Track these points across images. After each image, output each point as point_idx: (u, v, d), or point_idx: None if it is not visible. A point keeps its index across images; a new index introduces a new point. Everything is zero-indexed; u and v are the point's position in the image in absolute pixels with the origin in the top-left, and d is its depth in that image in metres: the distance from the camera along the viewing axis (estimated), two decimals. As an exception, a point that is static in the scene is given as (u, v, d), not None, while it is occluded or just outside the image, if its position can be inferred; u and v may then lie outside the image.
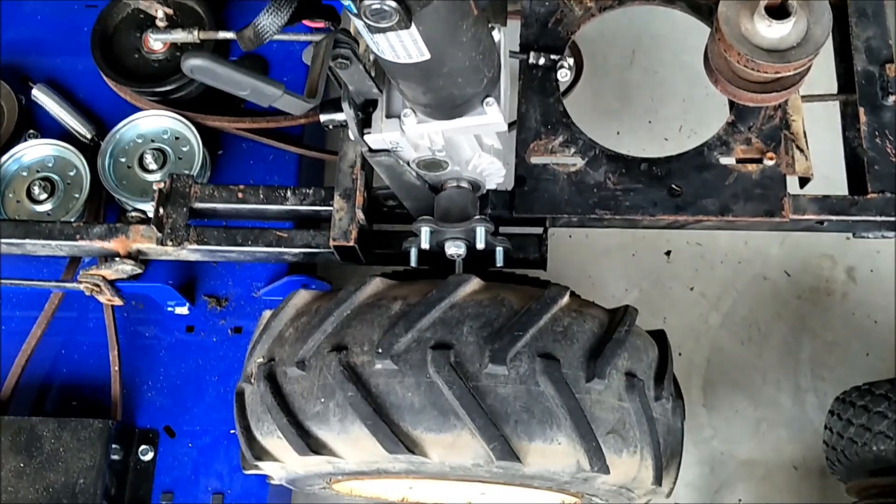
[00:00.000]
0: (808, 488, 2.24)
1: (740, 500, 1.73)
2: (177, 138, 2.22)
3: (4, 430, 1.93)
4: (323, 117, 1.60)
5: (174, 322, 2.16)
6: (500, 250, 1.69)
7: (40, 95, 2.30)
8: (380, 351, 1.51)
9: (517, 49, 1.96)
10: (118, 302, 2.07)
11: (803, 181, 1.93)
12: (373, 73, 1.52)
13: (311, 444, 1.55)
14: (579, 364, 1.55)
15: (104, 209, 2.21)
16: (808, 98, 2.00)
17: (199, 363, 2.13)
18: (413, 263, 1.69)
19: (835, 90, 2.03)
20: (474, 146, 1.62)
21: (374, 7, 1.20)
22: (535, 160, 1.91)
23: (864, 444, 1.90)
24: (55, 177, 2.20)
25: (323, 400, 1.55)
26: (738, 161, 1.89)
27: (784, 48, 1.74)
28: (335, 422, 1.53)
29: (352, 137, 1.58)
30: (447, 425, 1.49)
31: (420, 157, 1.62)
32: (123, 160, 2.20)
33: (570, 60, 1.96)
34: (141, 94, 2.26)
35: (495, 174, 1.71)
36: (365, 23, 1.24)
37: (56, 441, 1.92)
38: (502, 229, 1.95)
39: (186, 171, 2.16)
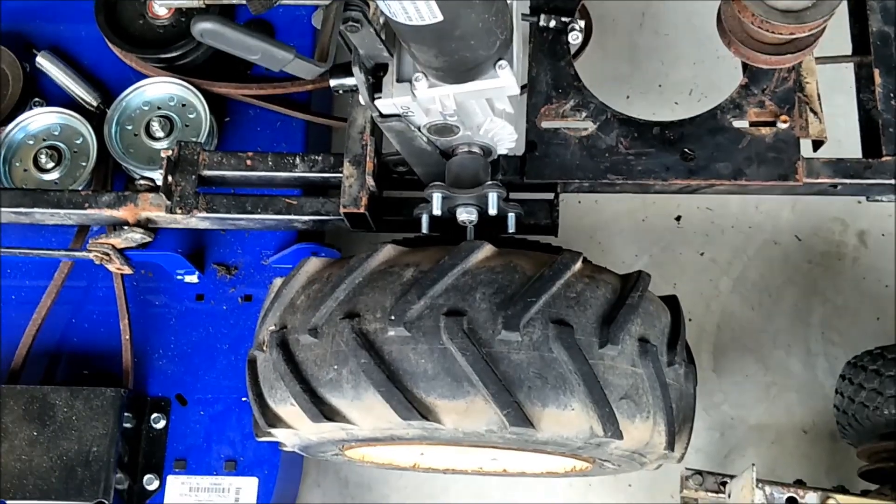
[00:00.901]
0: (818, 452, 2.24)
1: (753, 465, 1.73)
2: (183, 105, 2.20)
3: (17, 399, 1.93)
4: (333, 82, 1.59)
5: (184, 291, 2.16)
6: (511, 216, 1.67)
7: (44, 63, 2.28)
8: (392, 318, 1.50)
9: (527, 12, 1.93)
10: (128, 270, 2.07)
11: (817, 144, 1.91)
12: (383, 36, 1.50)
13: (324, 411, 1.55)
14: (592, 330, 1.54)
15: (112, 177, 2.19)
16: (821, 60, 1.98)
17: (209, 331, 2.12)
18: (424, 230, 1.68)
19: (848, 51, 2.00)
20: (486, 110, 1.60)
21: (385, -33, 1.18)
22: (545, 125, 1.89)
23: (875, 408, 1.90)
24: (62, 145, 2.18)
25: (336, 367, 1.54)
26: (752, 124, 1.87)
27: (799, 9, 1.72)
28: (348, 388, 1.53)
29: (362, 102, 1.57)
30: (461, 392, 1.49)
31: (431, 121, 1.60)
32: (130, 128, 2.19)
33: (581, 23, 1.93)
34: (146, 61, 2.23)
35: (507, 139, 1.70)
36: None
37: (69, 409, 1.93)
38: (513, 195, 1.94)
39: (194, 139, 2.15)
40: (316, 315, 1.58)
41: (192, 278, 2.15)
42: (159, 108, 2.20)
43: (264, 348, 1.68)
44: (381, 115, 1.58)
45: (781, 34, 1.74)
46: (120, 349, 2.09)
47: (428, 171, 1.74)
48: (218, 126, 2.24)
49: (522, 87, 1.80)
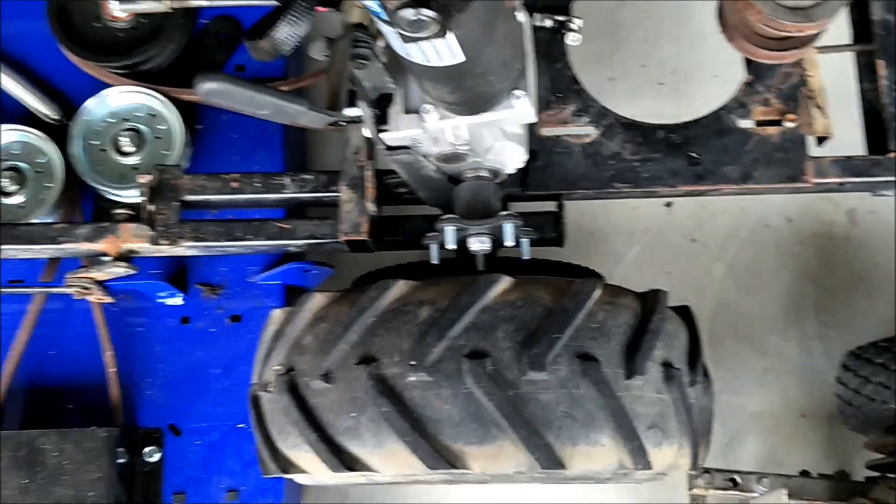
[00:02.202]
0: (817, 435, 2.26)
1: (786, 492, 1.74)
2: (152, 115, 2.06)
3: (4, 446, 1.83)
4: (333, 113, 1.48)
5: (168, 314, 2.05)
6: (525, 242, 1.60)
7: (-4, 74, 2.12)
8: (413, 363, 1.43)
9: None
10: (108, 300, 1.95)
11: (821, 139, 1.87)
12: (388, 67, 1.40)
13: (344, 461, 1.49)
14: (618, 361, 1.50)
15: (80, 198, 2.06)
16: (823, 49, 1.92)
17: (198, 356, 2.03)
18: (434, 261, 1.60)
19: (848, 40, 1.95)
20: (497, 135, 1.52)
21: (410, 19, 1.08)
22: (546, 132, 1.82)
23: (883, 402, 1.90)
24: (23, 165, 2.04)
25: (354, 414, 1.47)
26: (758, 124, 1.82)
27: (808, 6, 1.66)
28: (369, 437, 1.46)
29: (369, 136, 1.47)
30: (489, 437, 1.43)
31: (441, 151, 1.51)
32: (96, 143, 2.04)
33: (580, 21, 1.84)
34: (107, 69, 2.08)
35: (516, 160, 1.62)
36: (399, 34, 1.12)
37: (59, 454, 1.83)
38: (514, 205, 1.87)
39: (165, 151, 2.02)
40: (328, 359, 1.50)
41: (177, 300, 2.05)
42: (126, 120, 2.06)
43: (270, 389, 1.60)
44: (389, 148, 1.48)
45: (788, 31, 1.69)
46: (103, 378, 1.98)
47: (434, 195, 1.66)
48: (190, 134, 2.11)
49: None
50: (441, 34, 1.12)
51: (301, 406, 1.53)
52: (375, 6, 1.11)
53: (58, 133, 2.06)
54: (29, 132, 2.04)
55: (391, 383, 1.45)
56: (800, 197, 2.38)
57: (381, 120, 1.47)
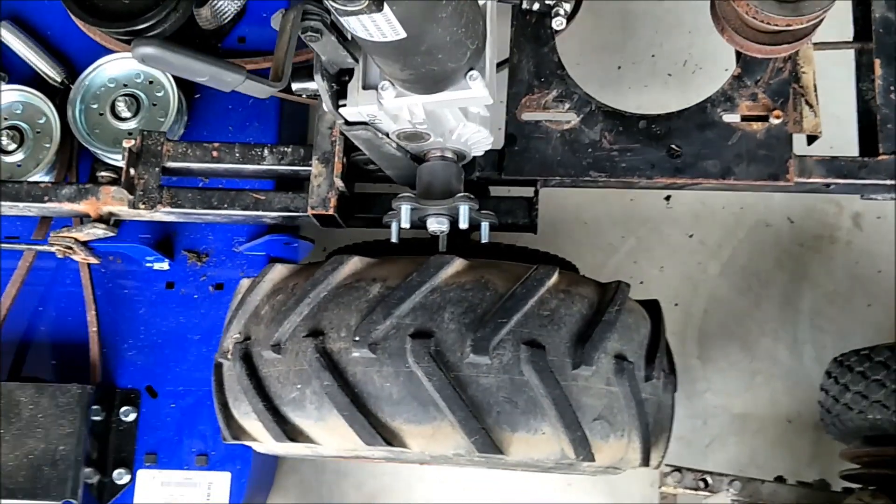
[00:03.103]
0: (802, 442, 2.21)
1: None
2: (150, 82, 2.10)
3: (-19, 396, 1.89)
4: (296, 86, 1.50)
5: (154, 278, 2.09)
6: (485, 226, 1.59)
7: (6, 34, 2.17)
8: (357, 339, 1.44)
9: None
10: (94, 260, 2.00)
11: (811, 138, 1.82)
12: (348, 43, 1.40)
13: (287, 431, 1.50)
14: (566, 350, 1.48)
15: (77, 159, 2.10)
16: (820, 46, 1.87)
17: (180, 321, 2.07)
18: (394, 239, 1.60)
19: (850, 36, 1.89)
20: (458, 116, 1.51)
21: (340, -9, 1.08)
22: (526, 116, 1.80)
23: (860, 412, 1.85)
24: (24, 125, 2.09)
25: (299, 386, 1.49)
26: (743, 119, 1.78)
27: (796, -1, 1.62)
28: (312, 409, 1.48)
29: (326, 110, 1.47)
30: (427, 417, 1.44)
31: (400, 129, 1.51)
32: (95, 107, 2.09)
33: (567, 6, 1.82)
34: (111, 35, 2.12)
35: (482, 142, 1.61)
36: (332, 6, 1.12)
37: (35, 407, 1.89)
38: (491, 189, 1.86)
39: (161, 118, 2.06)
40: (279, 330, 1.52)
41: (163, 265, 2.08)
42: (125, 86, 2.10)
43: (229, 357, 1.62)
44: (347, 123, 1.49)
45: (778, 25, 1.64)
46: (88, 338, 2.03)
47: (400, 173, 1.66)
48: (188, 103, 2.14)
49: (499, 64, 1.66)
50: (375, 8, 1.11)
51: (252, 375, 1.55)
52: (313, -22, 1.11)
53: (61, 94, 2.12)
54: (31, 93, 2.09)
55: (335, 358, 1.47)
56: (803, 197, 2.32)
57: (341, 94, 1.47)
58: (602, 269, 2.32)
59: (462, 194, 1.53)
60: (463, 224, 1.54)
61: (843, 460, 1.97)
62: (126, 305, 2.08)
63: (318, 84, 1.41)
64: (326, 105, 1.45)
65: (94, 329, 2.01)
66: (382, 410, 1.44)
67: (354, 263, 1.53)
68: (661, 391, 1.64)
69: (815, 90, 1.80)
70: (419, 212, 1.57)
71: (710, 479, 1.98)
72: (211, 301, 2.08)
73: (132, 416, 2.00)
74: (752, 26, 1.68)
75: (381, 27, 1.19)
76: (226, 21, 1.21)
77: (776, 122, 1.75)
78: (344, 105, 1.46)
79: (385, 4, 1.13)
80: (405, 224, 1.55)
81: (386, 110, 1.44)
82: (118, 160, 2.04)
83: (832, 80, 2.29)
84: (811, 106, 1.80)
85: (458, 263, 1.50)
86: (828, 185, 1.76)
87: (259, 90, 1.23)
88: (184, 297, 2.08)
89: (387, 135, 1.53)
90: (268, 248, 2.05)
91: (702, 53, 2.43)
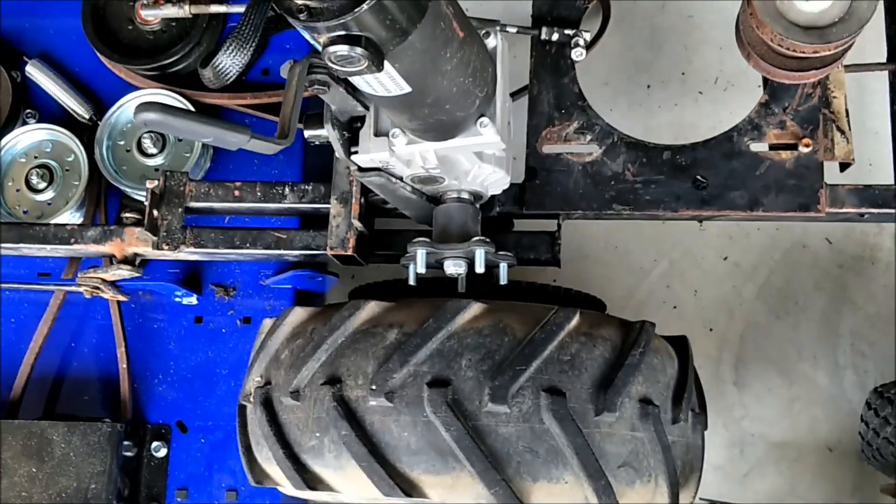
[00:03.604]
0: (844, 471, 2.15)
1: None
2: (175, 118, 2.11)
3: (15, 434, 1.91)
4: (307, 133, 1.48)
5: (183, 312, 2.10)
6: (503, 267, 1.57)
7: (35, 72, 2.19)
8: (374, 388, 1.43)
9: (529, 25, 1.79)
10: (123, 298, 2.02)
11: (843, 166, 1.76)
12: (356, 93, 1.38)
13: (307, 480, 1.50)
14: (588, 396, 1.45)
15: (106, 195, 2.12)
16: (851, 68, 1.81)
17: (209, 355, 2.07)
18: (411, 282, 1.58)
19: (884, 58, 1.83)
20: (473, 160, 1.49)
21: (339, 54, 1.07)
22: (547, 149, 1.77)
23: (901, 447, 1.79)
24: (53, 163, 2.11)
25: (318, 434, 1.49)
26: (771, 148, 1.73)
27: (824, 24, 1.56)
28: (331, 458, 1.47)
29: (338, 157, 1.46)
30: (446, 467, 1.42)
31: (413, 173, 1.49)
32: (122, 143, 2.10)
33: (587, 35, 1.78)
34: (136, 72, 2.13)
35: (499, 182, 1.58)
36: (331, 68, 1.10)
37: (66, 445, 1.90)
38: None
39: (187, 154, 2.07)
40: (298, 376, 1.51)
41: (191, 300, 2.09)
42: (151, 122, 2.11)
43: (251, 400, 1.62)
44: (360, 170, 1.47)
45: (804, 53, 1.59)
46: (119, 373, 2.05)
47: (417, 213, 1.64)
48: (213, 137, 2.14)
49: (513, 94, 1.64)
50: (375, 69, 1.09)
51: (272, 421, 1.55)
52: (311, 39, 1.10)
53: (89, 131, 2.14)
54: (60, 132, 2.11)
55: (353, 406, 1.46)
56: (842, 217, 2.25)
57: (353, 141, 1.46)
58: (633, 295, 2.27)
59: (478, 238, 1.51)
60: (479, 269, 1.52)
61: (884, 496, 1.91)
62: (156, 340, 2.10)
63: (328, 133, 1.40)
64: (338, 153, 1.44)
65: (125, 365, 2.03)
66: (401, 461, 1.43)
67: (371, 308, 1.52)
68: (689, 432, 1.60)
69: (847, 115, 1.75)
70: (435, 255, 1.55)
71: (745, 514, 1.94)
72: (239, 335, 2.08)
73: (163, 452, 2.02)
74: (779, 52, 1.63)
75: (385, 84, 1.18)
76: (229, 81, 1.20)
77: (806, 150, 1.70)
78: (356, 152, 1.45)
79: (386, 63, 1.11)
80: (420, 269, 1.53)
81: (398, 156, 1.42)
82: (140, 209, 2.06)
83: (871, 93, 2.23)
84: (843, 132, 1.74)
85: (475, 308, 1.48)
86: (862, 214, 1.70)
87: (265, 148, 1.22)
88: (212, 331, 2.09)
89: (401, 179, 1.52)
90: (294, 282, 2.05)
91: (733, 70, 2.37)
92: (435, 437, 1.41)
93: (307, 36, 1.09)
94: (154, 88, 2.11)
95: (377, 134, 1.43)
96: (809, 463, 2.16)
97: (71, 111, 2.18)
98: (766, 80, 1.75)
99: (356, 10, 1.01)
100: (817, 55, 1.60)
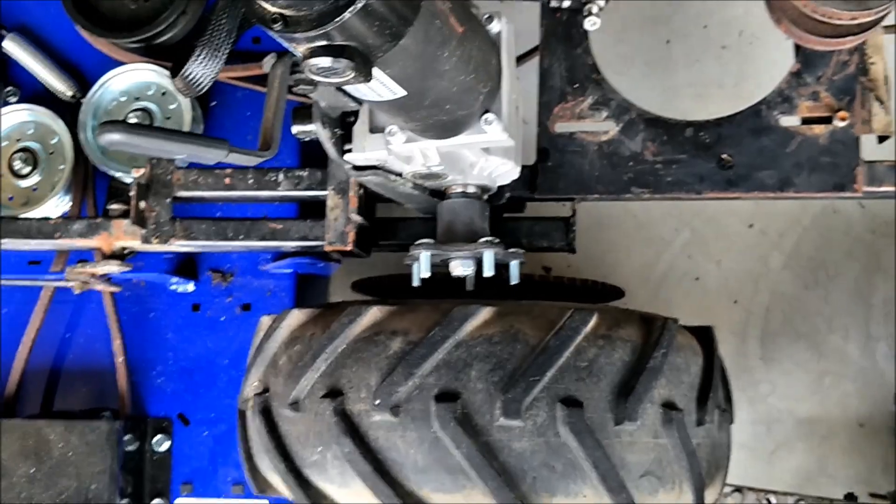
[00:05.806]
0: (875, 448, 2.06)
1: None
2: (164, 94, 1.98)
3: (12, 434, 1.84)
4: (295, 129, 1.36)
5: (179, 300, 2.00)
6: (514, 265, 1.45)
7: (12, 47, 2.06)
8: (378, 402, 1.34)
9: (536, -8, 1.64)
10: (115, 289, 1.92)
11: (882, 138, 1.62)
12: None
13: (311, 496, 1.42)
14: (607, 405, 1.36)
15: (93, 179, 2.00)
16: (891, 28, 1.66)
17: (208, 345, 1.98)
18: (415, 283, 1.47)
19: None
20: (478, 153, 1.36)
21: (320, 66, 0.94)
22: (560, 128, 1.64)
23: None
24: (36, 146, 1.99)
25: (320, 449, 1.40)
26: (803, 122, 1.59)
27: (863, -14, 1.42)
28: (335, 474, 1.39)
29: (331, 157, 1.34)
30: (456, 485, 1.33)
31: (414, 170, 1.37)
32: (108, 123, 1.98)
33: (602, 2, 1.63)
34: (118, 45, 1.99)
35: (507, 174, 1.46)
36: (313, 79, 0.98)
37: (65, 444, 1.83)
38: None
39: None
40: (297, 387, 1.42)
41: (188, 287, 2.00)
42: (137, 99, 1.98)
43: (250, 406, 1.54)
44: (356, 168, 1.35)
45: (841, 20, 1.45)
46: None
47: (422, 207, 1.52)
48: (203, 111, 2.02)
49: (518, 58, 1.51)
50: (363, 78, 0.97)
51: (272, 431, 1.47)
52: (290, 48, 0.97)
53: (72, 109, 2.01)
54: (42, 112, 1.99)
55: (356, 421, 1.37)
56: (875, 180, 2.12)
57: (346, 138, 1.33)
58: (654, 267, 2.16)
59: (486, 239, 1.39)
60: (488, 272, 1.40)
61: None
62: (153, 330, 2.01)
63: (318, 132, 1.28)
64: (330, 154, 1.32)
65: (121, 359, 1.94)
66: (408, 479, 1.35)
67: (373, 314, 1.42)
68: (715, 431, 1.51)
69: (887, 82, 1.60)
70: (440, 255, 1.44)
71: (773, 499, 1.86)
72: (238, 323, 1.98)
73: (166, 446, 1.94)
74: (813, 18, 1.49)
75: (376, 89, 1.05)
76: (203, 90, 1.08)
77: (841, 124, 1.56)
78: (350, 150, 1.32)
79: (376, 70, 0.98)
80: (425, 273, 1.42)
81: (396, 154, 1.30)
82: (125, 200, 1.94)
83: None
84: (882, 102, 1.59)
85: (484, 313, 1.37)
86: (902, 192, 1.57)
87: (246, 160, 1.11)
88: (210, 319, 1.99)
89: (400, 175, 1.40)
90: (294, 267, 1.95)
91: (759, 22, 2.21)
92: (444, 455, 1.32)
93: (286, 45, 0.96)
94: (139, 63, 1.98)
95: (373, 130, 1.30)
96: (839, 440, 2.07)
97: (53, 90, 2.05)
98: (797, 46, 1.61)
99: (338, 18, 0.88)
100: (855, 21, 1.46)
